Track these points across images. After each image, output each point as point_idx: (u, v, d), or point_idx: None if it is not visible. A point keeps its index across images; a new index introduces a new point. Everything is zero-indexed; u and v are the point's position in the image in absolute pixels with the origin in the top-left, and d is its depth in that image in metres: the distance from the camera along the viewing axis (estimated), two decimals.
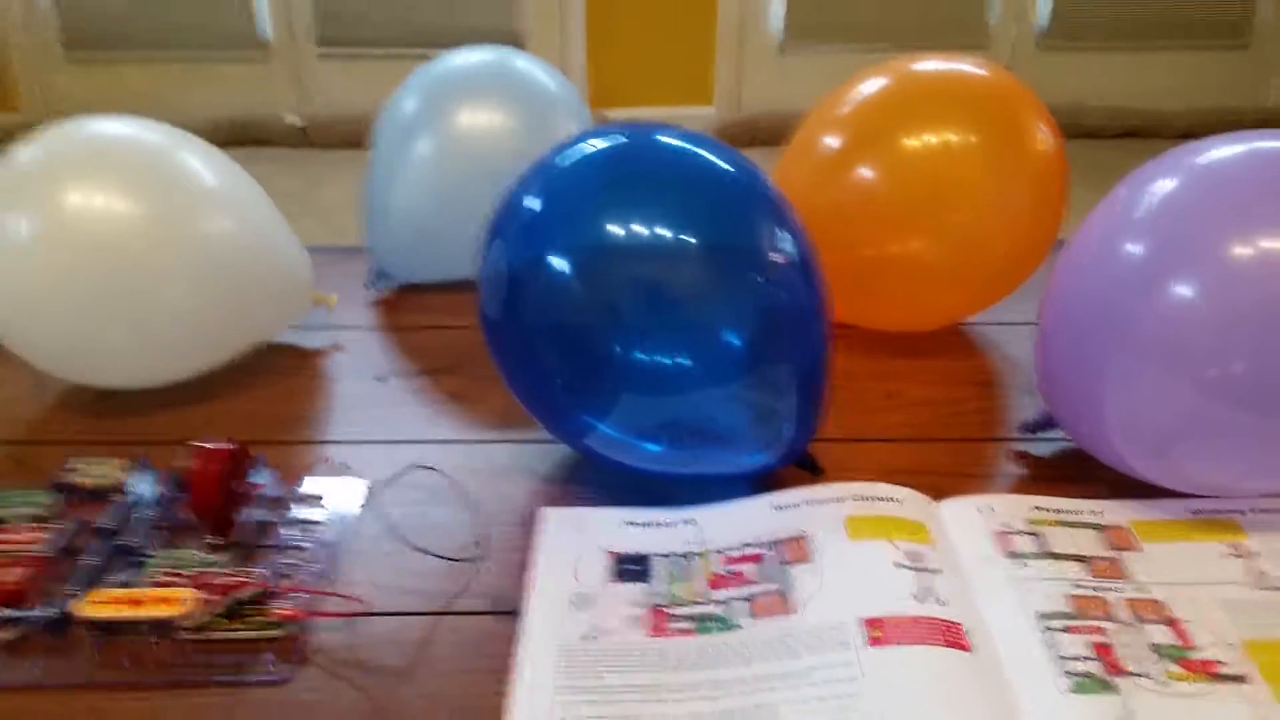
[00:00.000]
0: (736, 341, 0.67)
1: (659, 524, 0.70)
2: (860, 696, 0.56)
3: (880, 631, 0.59)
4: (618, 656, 0.60)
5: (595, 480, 0.75)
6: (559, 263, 0.65)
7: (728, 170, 0.69)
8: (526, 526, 0.71)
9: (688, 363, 0.66)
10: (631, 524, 0.70)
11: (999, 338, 0.93)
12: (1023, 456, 0.78)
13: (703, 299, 0.67)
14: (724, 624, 0.62)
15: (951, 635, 0.59)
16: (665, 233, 0.65)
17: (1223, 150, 0.67)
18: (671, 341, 0.66)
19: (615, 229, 0.65)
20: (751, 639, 0.61)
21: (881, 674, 0.57)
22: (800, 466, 0.74)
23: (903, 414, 0.83)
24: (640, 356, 0.66)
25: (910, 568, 0.64)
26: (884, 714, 0.55)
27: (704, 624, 0.62)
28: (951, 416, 0.83)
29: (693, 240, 0.66)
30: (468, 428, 0.81)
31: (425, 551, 0.68)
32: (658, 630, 0.62)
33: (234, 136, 3.18)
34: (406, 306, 1.01)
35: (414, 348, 0.93)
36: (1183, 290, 0.64)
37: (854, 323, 0.92)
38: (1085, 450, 0.74)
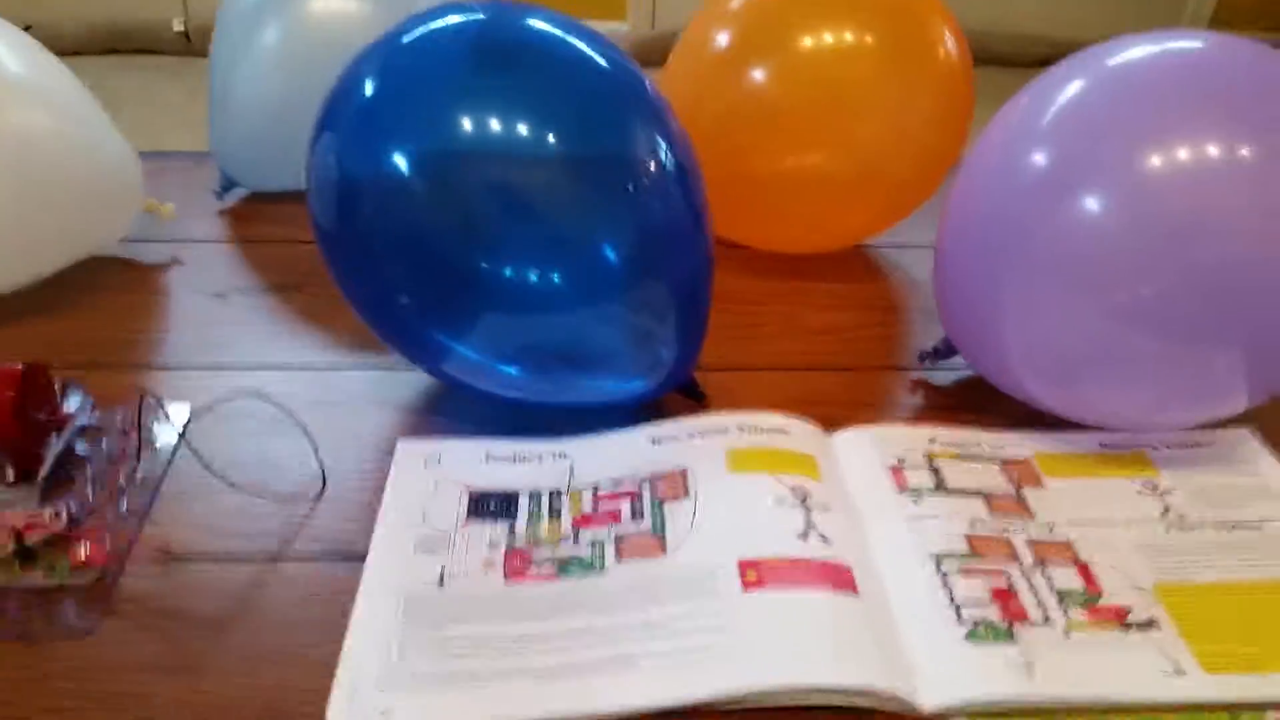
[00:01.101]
0: (607, 256, 0.59)
1: (525, 458, 0.63)
2: (726, 648, 0.50)
3: (756, 575, 0.54)
4: (466, 605, 0.53)
5: (460, 410, 0.68)
6: (402, 162, 0.57)
7: (600, 64, 0.61)
8: (378, 461, 0.63)
9: (553, 279, 0.59)
10: (494, 457, 0.63)
11: (902, 260, 0.87)
12: (922, 386, 0.72)
13: (569, 207, 0.58)
14: (587, 567, 0.56)
15: (837, 577, 0.54)
16: (527, 130, 0.57)
17: (1134, 51, 0.61)
18: (533, 254, 0.58)
19: (469, 123, 0.57)
20: (616, 584, 0.54)
21: (753, 622, 0.51)
22: (683, 394, 0.68)
23: (797, 340, 0.77)
24: (499, 272, 0.58)
25: (795, 504, 0.58)
26: (753, 667, 0.49)
27: (566, 567, 0.56)
28: (849, 343, 0.77)
29: (559, 140, 0.57)
30: (317, 350, 0.73)
31: (250, 491, 0.60)
32: (515, 575, 0.55)
33: (113, 43, 2.97)
34: (257, 217, 0.91)
35: (263, 262, 0.84)
36: (1089, 205, 0.58)
37: (747, 243, 0.85)
38: (987, 379, 0.69)
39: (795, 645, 0.50)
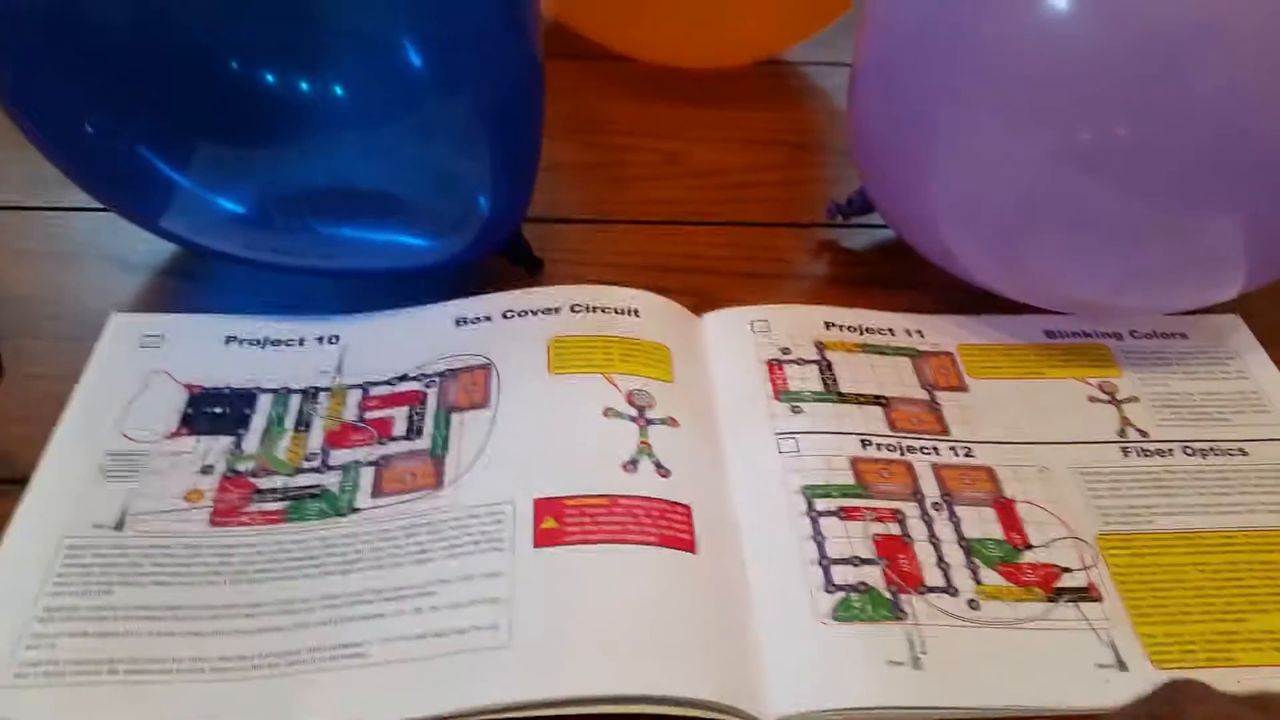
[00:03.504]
0: (380, 59, 0.43)
1: (281, 341, 0.47)
2: (498, 635, 0.36)
3: (556, 522, 0.39)
4: (148, 558, 0.38)
5: (213, 275, 0.51)
6: None
7: None
8: (82, 340, 0.47)
9: (301, 89, 0.42)
10: (238, 340, 0.47)
11: (824, 82, 0.69)
12: (829, 250, 0.56)
13: None
14: (332, 505, 0.40)
15: (669, 527, 0.39)
16: None
17: None
18: (273, 54, 0.41)
19: None
20: (364, 531, 0.40)
21: (541, 594, 0.37)
22: (508, 258, 0.52)
23: (680, 185, 0.60)
24: (225, 79, 0.41)
25: (628, 418, 0.43)
26: (530, 666, 0.35)
27: (299, 506, 0.40)
28: (745, 190, 0.60)
29: None
30: (30, 182, 0.55)
31: None
32: (228, 514, 0.40)
33: None
34: None
35: None
36: (1051, 10, 0.41)
37: (629, 53, 0.67)
38: (910, 244, 0.53)
39: (594, 632, 0.36)
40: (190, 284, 0.51)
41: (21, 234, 0.53)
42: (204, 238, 0.47)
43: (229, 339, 0.47)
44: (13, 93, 0.43)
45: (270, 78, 0.42)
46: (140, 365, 0.45)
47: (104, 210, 0.53)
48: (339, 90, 0.43)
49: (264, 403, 0.44)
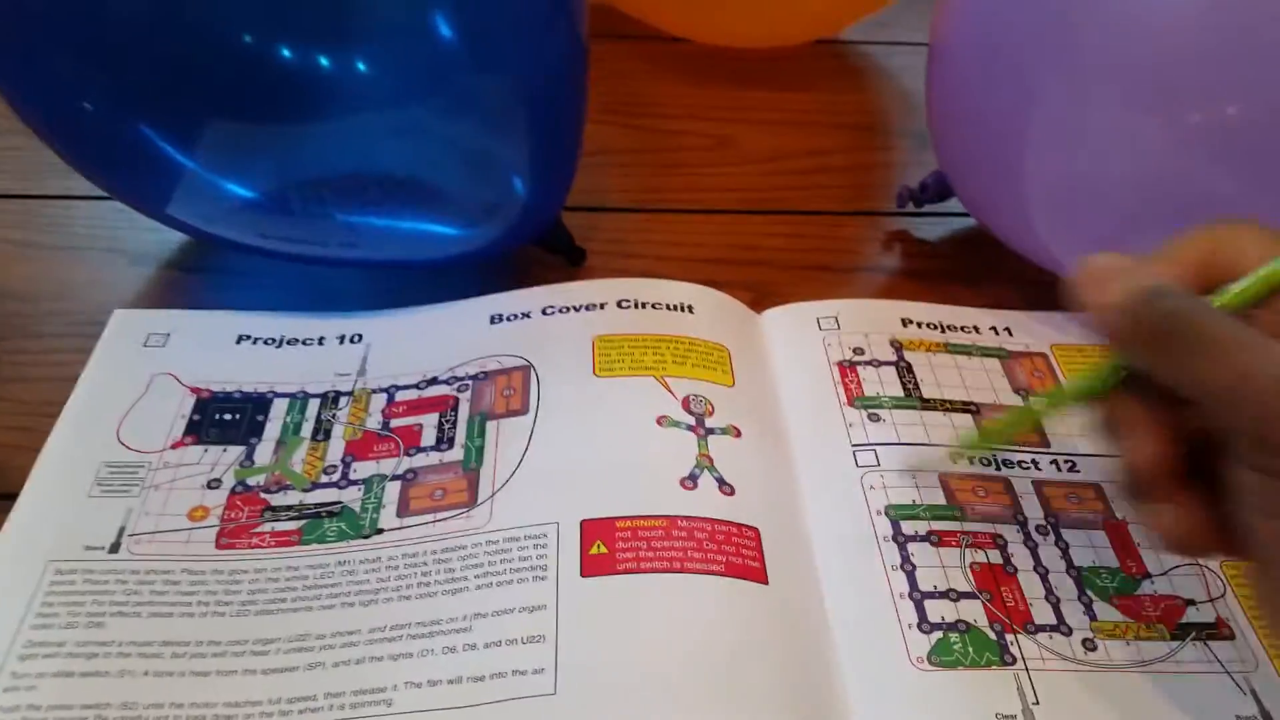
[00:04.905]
0: (409, 32, 0.38)
1: (298, 340, 0.43)
2: (543, 677, 0.31)
3: (605, 547, 0.34)
4: (146, 585, 0.34)
5: (224, 268, 0.47)
6: None
7: None
8: (83, 339, 0.43)
9: (328, 65, 0.37)
10: (251, 339, 0.43)
11: (887, 62, 0.64)
12: (901, 240, 0.51)
13: None
14: (353, 525, 0.36)
15: (736, 553, 0.34)
16: None
17: None
18: (290, 25, 0.37)
19: None
20: (389, 556, 0.35)
21: (591, 630, 0.32)
22: (546, 248, 0.47)
23: (733, 172, 0.55)
24: (243, 54, 0.37)
25: (684, 426, 0.38)
26: (582, 712, 0.30)
27: (316, 525, 0.36)
28: (804, 177, 0.55)
29: None
30: (21, 168, 0.51)
31: None
32: (236, 535, 0.35)
33: None
34: None
35: None
36: None
37: (678, 32, 0.62)
38: (993, 233, 0.48)
39: (653, 680, 0.31)
40: (200, 278, 0.46)
41: (19, 224, 0.48)
42: (215, 226, 0.42)
43: (241, 337, 0.42)
44: (2, 68, 0.39)
45: (287, 53, 0.37)
46: (143, 366, 0.41)
47: (107, 198, 0.49)
48: (363, 67, 0.38)
49: (279, 408, 0.40)
